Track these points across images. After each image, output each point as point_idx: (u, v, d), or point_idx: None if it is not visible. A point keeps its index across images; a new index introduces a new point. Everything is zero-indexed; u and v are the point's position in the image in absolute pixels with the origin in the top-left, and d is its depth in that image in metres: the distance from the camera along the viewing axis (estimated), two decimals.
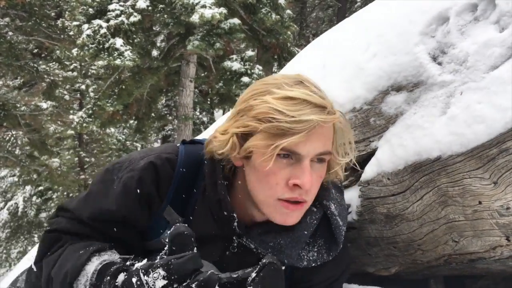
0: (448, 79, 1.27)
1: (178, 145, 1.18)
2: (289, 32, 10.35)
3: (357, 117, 1.49)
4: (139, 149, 18.45)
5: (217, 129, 1.04)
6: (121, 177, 1.07)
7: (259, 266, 0.74)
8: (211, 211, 1.07)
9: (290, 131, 0.91)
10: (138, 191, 1.04)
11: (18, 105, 11.28)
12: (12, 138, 12.06)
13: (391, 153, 1.33)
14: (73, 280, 0.92)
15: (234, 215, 1.05)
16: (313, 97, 0.93)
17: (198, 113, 16.64)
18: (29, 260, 3.52)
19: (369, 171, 1.39)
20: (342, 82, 1.58)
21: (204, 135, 2.90)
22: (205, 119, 17.00)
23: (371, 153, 1.43)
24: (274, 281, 0.74)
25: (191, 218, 1.10)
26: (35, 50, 11.72)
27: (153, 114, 13.54)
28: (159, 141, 18.50)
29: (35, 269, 1.08)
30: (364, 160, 1.47)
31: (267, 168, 0.94)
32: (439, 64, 1.32)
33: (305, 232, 1.09)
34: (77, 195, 1.19)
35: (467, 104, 1.16)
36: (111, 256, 0.98)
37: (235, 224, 1.06)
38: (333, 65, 1.70)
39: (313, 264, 1.11)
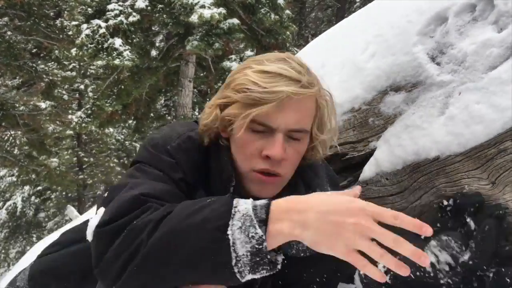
0: (446, 79, 1.27)
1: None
2: (288, 32, 10.34)
3: (356, 117, 1.49)
4: (137, 149, 18.41)
5: (206, 104, 1.08)
6: (179, 144, 1.05)
7: None
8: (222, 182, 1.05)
9: (261, 101, 0.94)
10: (198, 159, 1.05)
11: (17, 105, 11.27)
12: (11, 138, 12.04)
13: (390, 153, 1.33)
14: (225, 223, 0.76)
15: (233, 179, 1.04)
16: (289, 71, 0.95)
17: (197, 113, 16.59)
18: (24, 260, 3.50)
19: (368, 171, 1.39)
20: (341, 82, 1.58)
21: None
22: None
23: (370, 153, 1.43)
24: None
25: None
26: (34, 50, 11.70)
27: (152, 114, 13.54)
28: None
29: (89, 237, 0.90)
30: (362, 160, 1.47)
31: (243, 139, 0.98)
32: (438, 64, 1.32)
33: None
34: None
35: (466, 104, 1.16)
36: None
37: (231, 188, 1.04)
38: (332, 65, 1.70)
39: (302, 254, 1.04)
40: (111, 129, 14.50)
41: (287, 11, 10.53)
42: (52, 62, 12.02)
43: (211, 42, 8.66)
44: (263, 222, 0.76)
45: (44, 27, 10.90)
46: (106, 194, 1.00)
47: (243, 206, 0.78)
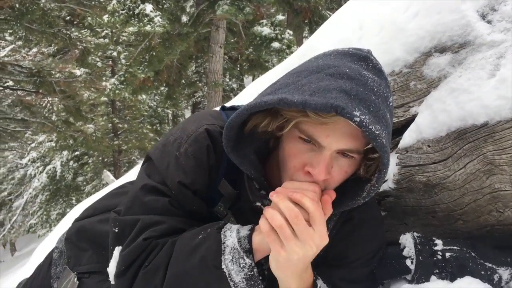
0: (498, 38, 1.17)
1: (219, 111, 1.15)
2: None
3: (396, 81, 1.41)
4: (170, 116, 18.67)
5: None
6: (186, 150, 1.03)
7: None
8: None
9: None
10: (208, 160, 1.02)
11: (53, 72, 11.53)
12: (48, 104, 12.39)
13: (433, 118, 1.25)
14: (218, 259, 0.90)
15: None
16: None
17: (227, 80, 16.57)
18: (66, 222, 3.65)
19: (408, 138, 1.33)
20: (380, 44, 1.50)
21: (234, 101, 2.87)
22: (234, 85, 16.93)
23: (411, 119, 1.36)
24: None
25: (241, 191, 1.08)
26: (68, 17, 11.82)
27: (183, 81, 13.59)
28: (189, 108, 18.63)
29: (112, 282, 1.01)
30: (402, 126, 1.40)
31: (290, 149, 0.93)
32: (489, 22, 1.22)
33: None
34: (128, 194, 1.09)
35: None
36: (232, 226, 0.97)
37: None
38: (371, 26, 1.61)
39: None
40: (144, 96, 14.68)
41: None
42: (86, 29, 12.14)
43: (241, 6, 8.51)
44: (249, 251, 0.91)
45: None
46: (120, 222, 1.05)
47: (230, 240, 0.92)
